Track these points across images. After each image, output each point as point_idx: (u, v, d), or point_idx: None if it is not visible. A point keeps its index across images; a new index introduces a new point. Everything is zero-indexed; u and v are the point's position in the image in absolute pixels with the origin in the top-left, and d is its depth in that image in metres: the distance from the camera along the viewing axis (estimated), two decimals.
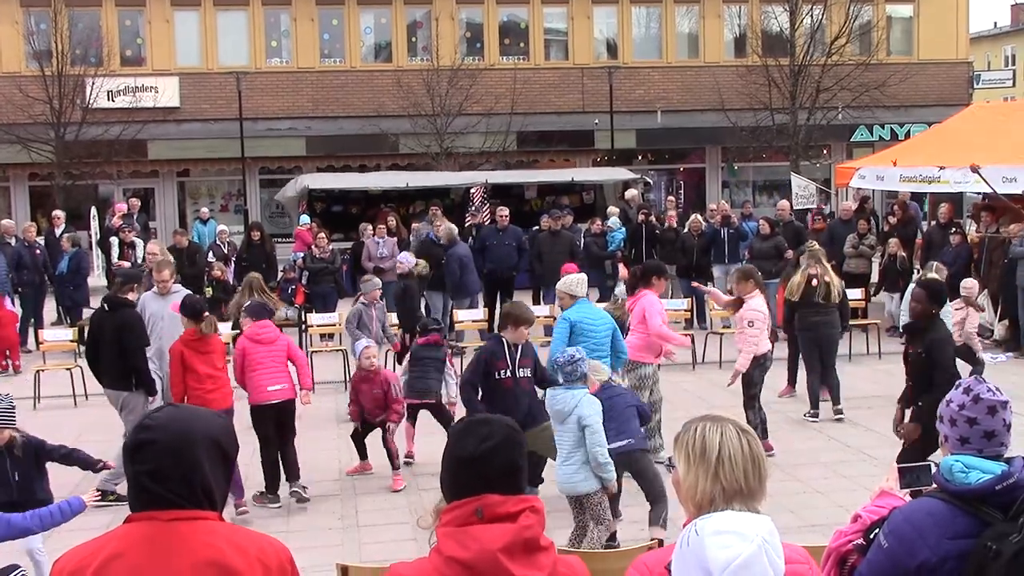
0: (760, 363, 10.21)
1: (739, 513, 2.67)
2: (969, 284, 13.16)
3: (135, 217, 21.07)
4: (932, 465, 3.47)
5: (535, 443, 8.89)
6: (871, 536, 3.37)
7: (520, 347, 8.46)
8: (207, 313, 9.04)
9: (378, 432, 9.80)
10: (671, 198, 23.55)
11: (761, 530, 2.56)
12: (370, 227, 17.86)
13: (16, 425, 6.99)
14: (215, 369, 8.89)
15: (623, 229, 18.71)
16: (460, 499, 2.79)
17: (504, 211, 17.72)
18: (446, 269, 15.79)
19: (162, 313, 9.88)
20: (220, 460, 2.74)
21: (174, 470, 2.64)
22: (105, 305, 9.48)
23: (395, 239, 17.80)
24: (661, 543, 5.30)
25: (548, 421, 8.41)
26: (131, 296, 9.52)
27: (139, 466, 2.65)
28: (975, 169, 14.70)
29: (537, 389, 8.57)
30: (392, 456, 9.64)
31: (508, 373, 8.28)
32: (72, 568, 2.63)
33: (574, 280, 9.54)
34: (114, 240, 17.45)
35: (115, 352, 9.19)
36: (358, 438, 9.95)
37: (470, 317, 15.51)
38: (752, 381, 10.17)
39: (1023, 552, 2.99)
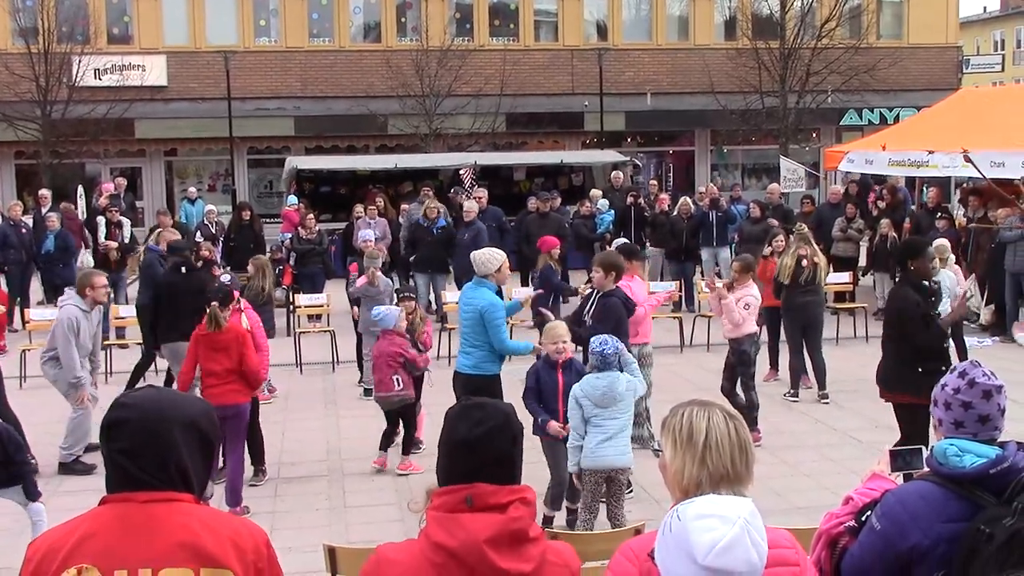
0: (753, 340, 10.31)
1: (720, 496, 2.66)
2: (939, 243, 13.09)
3: (122, 196, 20.96)
4: (923, 449, 3.48)
5: None
6: (863, 518, 3.39)
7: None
8: (215, 303, 8.50)
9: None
10: (653, 181, 23.52)
11: (743, 512, 2.54)
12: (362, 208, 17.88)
13: None
14: (219, 365, 8.41)
15: (612, 211, 18.71)
16: (452, 484, 2.78)
17: (481, 193, 17.79)
18: (458, 242, 15.83)
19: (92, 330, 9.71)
20: (198, 443, 2.73)
21: (147, 449, 2.64)
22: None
23: (385, 220, 17.77)
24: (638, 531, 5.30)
25: None
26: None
27: (113, 444, 2.65)
28: (968, 158, 14.71)
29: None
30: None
31: None
32: (45, 550, 2.63)
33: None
34: (101, 220, 17.34)
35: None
36: (391, 425, 9.52)
37: (456, 299, 15.40)
38: (750, 359, 10.24)
39: (1017, 536, 3.01)
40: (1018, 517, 3.03)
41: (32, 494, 6.89)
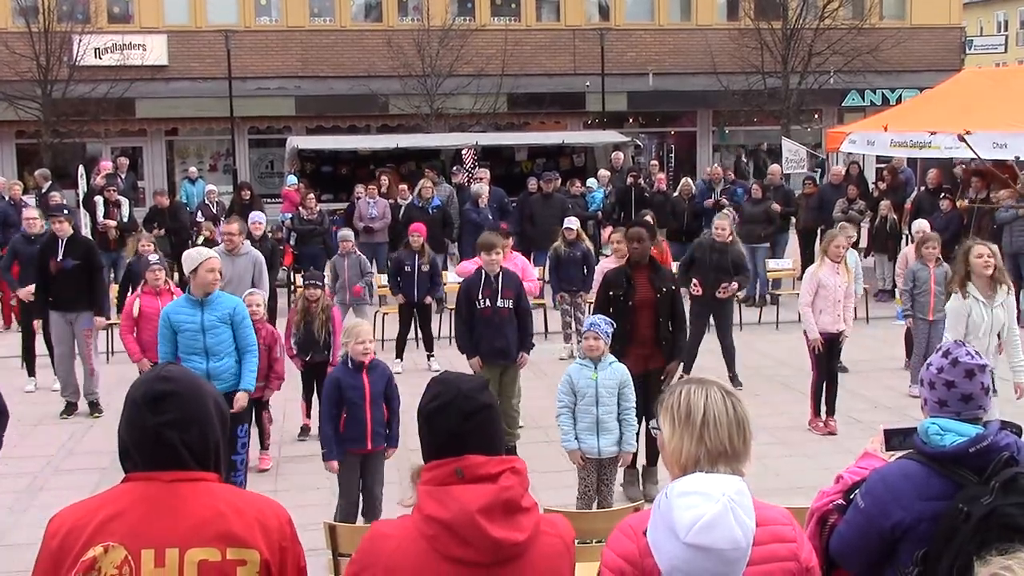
0: None
1: (708, 474, 2.68)
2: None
3: (123, 176, 20.92)
4: (917, 428, 3.50)
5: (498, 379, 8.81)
6: (851, 496, 3.41)
7: (501, 277, 8.59)
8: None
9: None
10: (655, 162, 23.46)
11: (728, 490, 2.55)
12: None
13: None
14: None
15: (602, 190, 18.72)
16: (437, 458, 2.77)
17: (484, 173, 17.82)
18: (464, 217, 16.03)
19: (228, 275, 9.33)
20: (221, 420, 2.78)
21: (194, 423, 2.67)
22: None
23: (386, 200, 17.75)
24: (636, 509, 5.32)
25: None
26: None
27: (161, 416, 2.65)
28: (962, 138, 14.68)
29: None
30: (264, 434, 9.07)
31: (487, 303, 8.54)
32: (69, 527, 2.62)
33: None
34: (99, 200, 17.30)
35: None
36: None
37: (454, 279, 15.38)
38: None
39: (993, 514, 3.04)
40: (996, 496, 3.06)
41: None
